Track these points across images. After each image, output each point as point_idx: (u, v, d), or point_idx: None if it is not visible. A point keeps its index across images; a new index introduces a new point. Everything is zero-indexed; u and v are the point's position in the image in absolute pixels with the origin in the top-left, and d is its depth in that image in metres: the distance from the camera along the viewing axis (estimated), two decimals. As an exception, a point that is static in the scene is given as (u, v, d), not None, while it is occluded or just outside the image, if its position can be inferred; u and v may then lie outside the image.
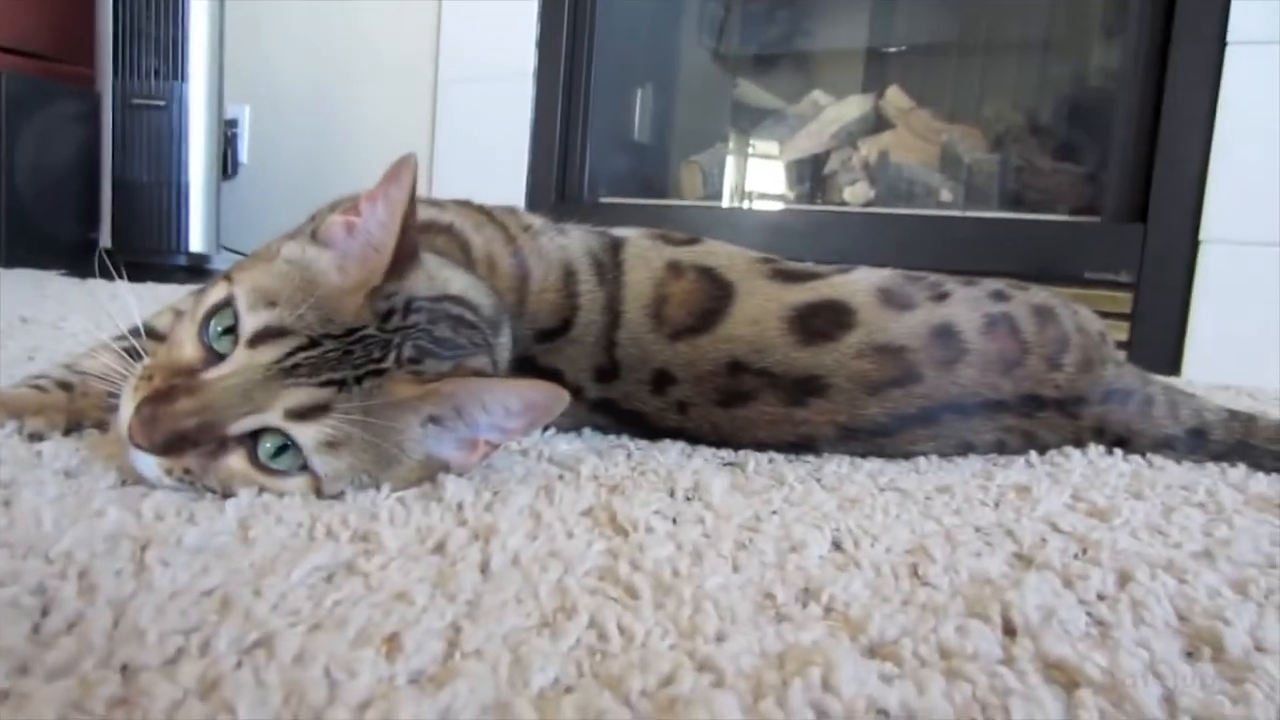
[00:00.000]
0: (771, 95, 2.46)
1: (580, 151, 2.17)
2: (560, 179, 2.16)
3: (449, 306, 0.60)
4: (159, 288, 1.97)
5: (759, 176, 2.42)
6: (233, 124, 2.51)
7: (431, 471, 0.58)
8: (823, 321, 0.73)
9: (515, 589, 0.42)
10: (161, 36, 2.19)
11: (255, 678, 0.33)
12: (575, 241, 0.79)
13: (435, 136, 2.29)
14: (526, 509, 0.55)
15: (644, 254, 0.79)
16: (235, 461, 0.53)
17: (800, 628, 0.40)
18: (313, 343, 0.53)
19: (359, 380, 0.53)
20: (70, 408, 0.67)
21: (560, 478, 0.62)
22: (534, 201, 2.13)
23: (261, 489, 0.53)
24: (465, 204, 0.81)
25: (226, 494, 0.53)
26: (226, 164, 2.40)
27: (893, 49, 2.44)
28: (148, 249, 2.23)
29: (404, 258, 0.57)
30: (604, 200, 2.17)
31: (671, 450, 0.73)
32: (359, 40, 2.42)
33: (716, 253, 0.80)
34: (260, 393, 0.51)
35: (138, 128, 2.21)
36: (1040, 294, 0.81)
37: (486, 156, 2.22)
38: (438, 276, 0.61)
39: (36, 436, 0.63)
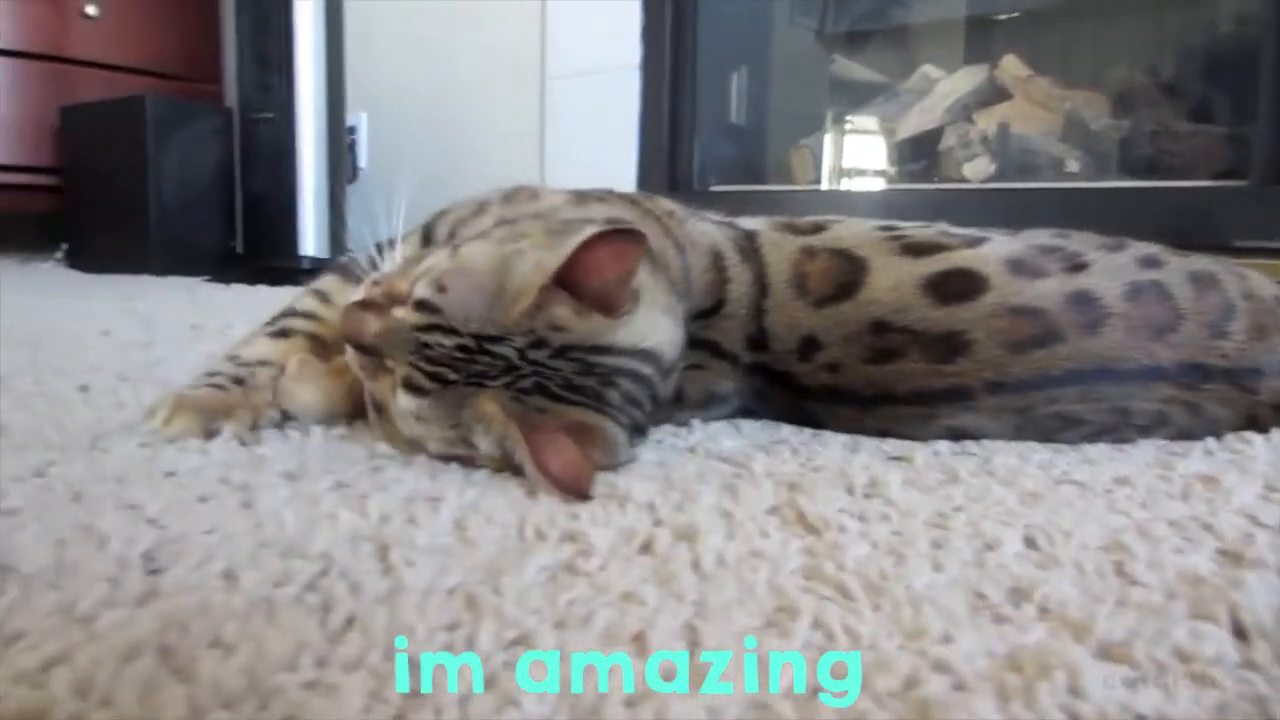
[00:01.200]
0: (876, 72, 2.41)
1: (689, 141, 2.17)
2: (670, 169, 2.18)
3: (626, 362, 0.63)
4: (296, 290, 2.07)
5: (869, 157, 2.38)
6: (351, 131, 2.61)
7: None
8: (956, 285, 0.75)
9: (733, 589, 0.44)
10: (271, 53, 2.30)
11: (528, 674, 0.35)
12: (713, 227, 0.83)
13: (544, 133, 2.33)
14: (715, 508, 0.57)
15: (776, 242, 0.82)
16: (384, 383, 0.64)
17: (1022, 629, 0.40)
18: (452, 330, 0.60)
19: (467, 382, 0.60)
20: (249, 403, 0.74)
21: (738, 475, 0.64)
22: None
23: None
24: (615, 196, 0.84)
25: (377, 398, 0.66)
26: (350, 170, 2.51)
27: (1003, 16, 2.36)
28: (272, 254, 2.36)
29: (593, 299, 0.61)
30: (715, 189, 2.18)
31: (834, 445, 0.74)
32: (467, 43, 2.48)
33: (844, 236, 0.82)
34: (402, 348, 0.61)
35: (257, 140, 2.34)
36: (1201, 260, 0.79)
37: (595, 150, 2.25)
38: (638, 329, 0.64)
39: (238, 440, 0.69)
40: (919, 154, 2.24)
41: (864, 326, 0.75)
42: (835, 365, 0.76)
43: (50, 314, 1.56)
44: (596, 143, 2.24)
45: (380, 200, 0.72)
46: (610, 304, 0.62)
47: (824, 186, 2.31)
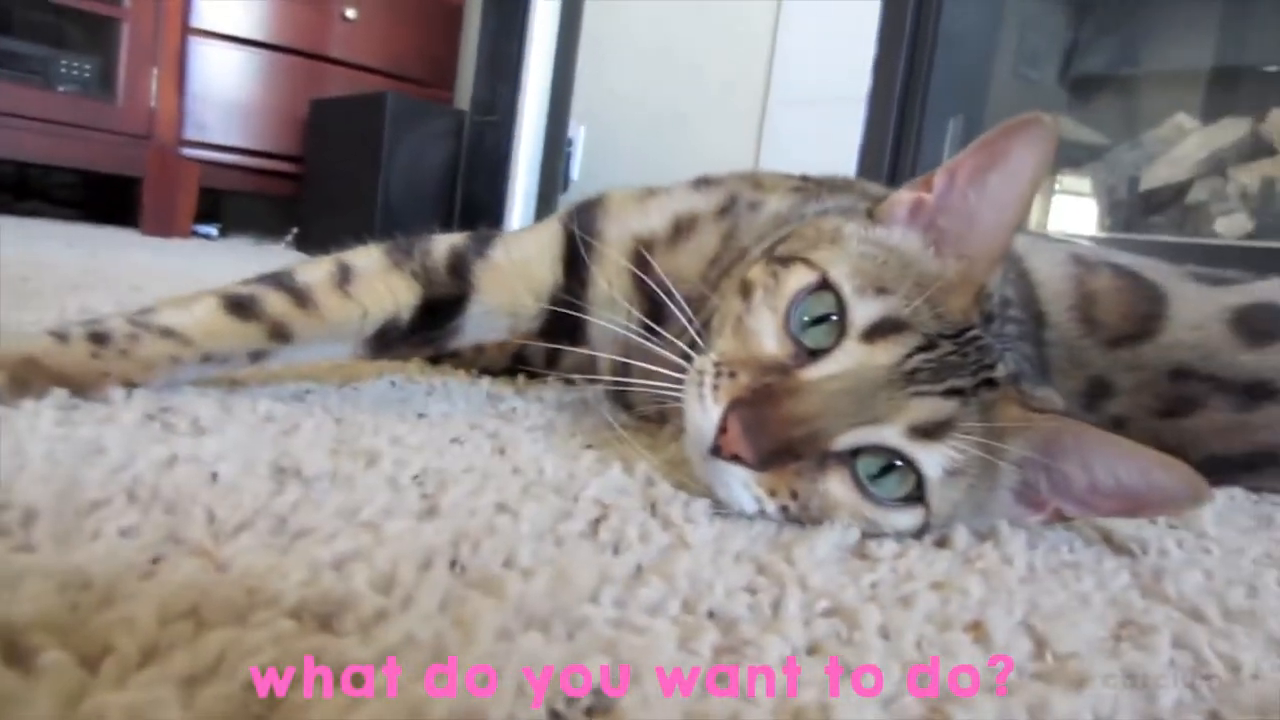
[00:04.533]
0: (1115, 121, 2.25)
1: (908, 178, 2.09)
2: (886, 203, 2.10)
3: (1019, 313, 0.54)
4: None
5: (1091, 208, 2.22)
6: (569, 142, 2.69)
7: (988, 516, 0.49)
8: (1264, 323, 0.67)
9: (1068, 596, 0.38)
10: (504, 61, 2.42)
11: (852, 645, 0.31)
12: None
13: (759, 159, 2.31)
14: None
15: (1034, 243, 0.73)
16: (836, 487, 0.45)
17: None
18: (930, 344, 0.44)
19: (975, 390, 0.45)
20: (86, 367, 0.52)
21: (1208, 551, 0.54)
22: (856, 223, 2.09)
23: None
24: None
25: (819, 522, 0.45)
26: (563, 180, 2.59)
27: (1273, 68, 2.15)
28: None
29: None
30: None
31: None
32: (691, 65, 2.51)
33: (1118, 254, 0.73)
34: (881, 400, 0.43)
35: (479, 143, 2.45)
36: None
37: (809, 177, 2.20)
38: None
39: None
40: (1160, 207, 2.06)
41: (1160, 374, 0.66)
42: (1121, 420, 0.66)
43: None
44: (812, 171, 2.19)
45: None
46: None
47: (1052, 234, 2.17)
